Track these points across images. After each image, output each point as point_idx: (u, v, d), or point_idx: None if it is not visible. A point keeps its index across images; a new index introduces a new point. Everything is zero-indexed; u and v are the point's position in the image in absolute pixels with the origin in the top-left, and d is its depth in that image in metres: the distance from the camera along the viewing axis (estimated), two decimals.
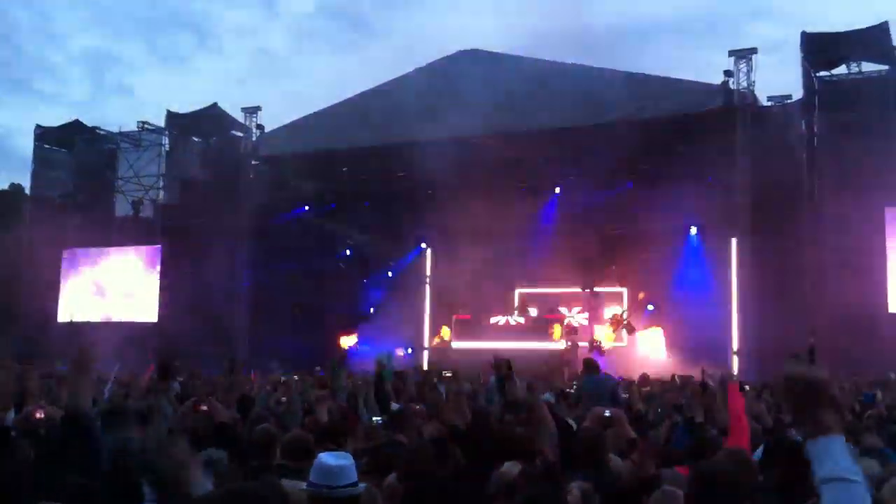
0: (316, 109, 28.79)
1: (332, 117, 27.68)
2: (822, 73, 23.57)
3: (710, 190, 23.74)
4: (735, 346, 23.41)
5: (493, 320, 28.08)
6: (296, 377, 16.97)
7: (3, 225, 34.32)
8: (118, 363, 12.63)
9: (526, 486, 4.61)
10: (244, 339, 28.31)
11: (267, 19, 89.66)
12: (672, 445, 7.47)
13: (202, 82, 76.59)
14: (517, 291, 28.75)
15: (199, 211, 28.54)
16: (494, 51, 27.04)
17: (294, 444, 5.96)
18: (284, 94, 67.07)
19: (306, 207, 29.26)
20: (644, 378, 16.35)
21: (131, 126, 32.18)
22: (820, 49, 22.99)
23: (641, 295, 26.55)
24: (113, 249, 31.04)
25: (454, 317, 28.81)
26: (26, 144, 34.14)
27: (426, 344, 29.18)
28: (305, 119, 28.71)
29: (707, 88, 23.93)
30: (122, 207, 32.17)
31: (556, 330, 27.13)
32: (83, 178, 32.21)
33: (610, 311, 26.93)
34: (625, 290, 27.14)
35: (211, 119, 30.40)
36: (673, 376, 16.74)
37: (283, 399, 10.85)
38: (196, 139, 31.64)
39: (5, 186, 44.78)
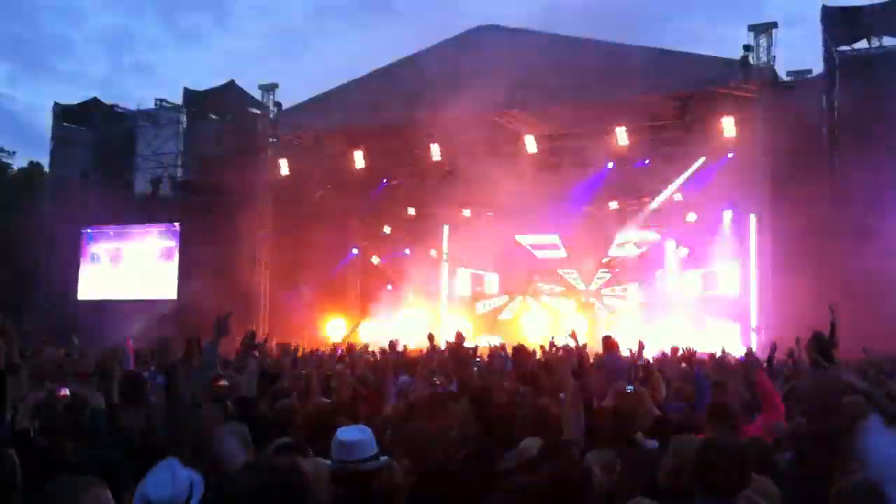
0: (333, 87, 28.75)
1: (349, 94, 27.63)
2: (843, 48, 23.36)
3: (728, 166, 23.66)
4: (754, 322, 23.35)
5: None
6: (319, 350, 17.00)
7: (23, 203, 34.51)
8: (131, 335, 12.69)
9: (549, 462, 4.63)
10: (265, 315, 28.44)
11: None
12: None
13: (220, 60, 76.69)
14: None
15: (217, 188, 28.60)
16: (513, 26, 26.90)
17: (312, 418, 6.00)
18: (302, 71, 67.05)
19: (325, 185, 29.27)
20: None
21: (149, 104, 32.28)
22: (840, 23, 22.79)
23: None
24: (132, 227, 31.19)
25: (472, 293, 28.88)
26: (45, 122, 34.34)
27: (444, 322, 29.19)
28: (323, 96, 28.66)
29: (726, 63, 23.74)
30: (140, 185, 32.27)
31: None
32: (102, 155, 32.31)
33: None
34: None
35: (228, 96, 30.42)
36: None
37: (303, 372, 10.88)
38: (214, 117, 31.67)
39: (24, 165, 45.08)
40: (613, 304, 27.63)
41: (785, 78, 24.47)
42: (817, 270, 20.99)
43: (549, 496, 4.19)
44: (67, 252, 31.02)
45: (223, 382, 8.22)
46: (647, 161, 25.30)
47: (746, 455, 4.18)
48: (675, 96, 23.39)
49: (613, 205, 26.20)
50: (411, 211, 28.83)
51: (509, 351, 14.12)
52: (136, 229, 31.08)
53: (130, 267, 30.95)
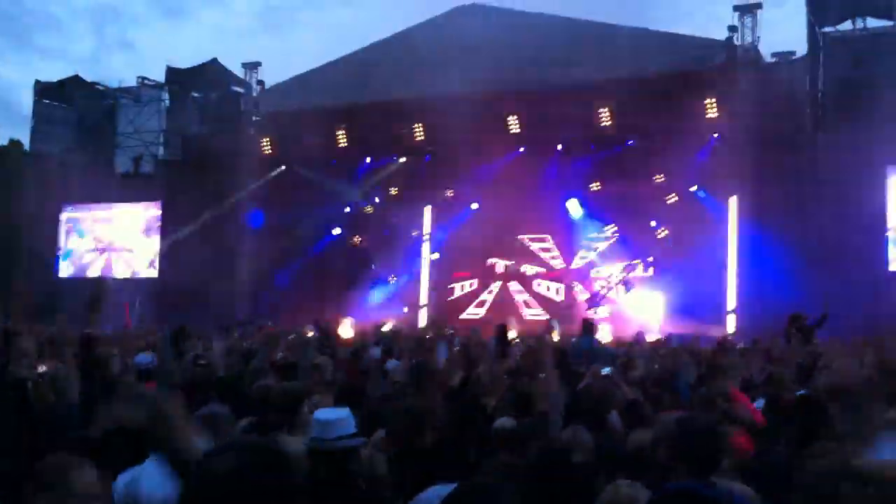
0: (318, 65, 28.62)
1: (333, 73, 27.53)
2: (827, 28, 23.37)
3: (711, 148, 23.68)
4: (731, 305, 23.45)
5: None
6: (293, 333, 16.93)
7: (3, 181, 34.25)
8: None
9: (527, 440, 4.63)
10: (246, 295, 28.36)
11: None
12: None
13: (205, 37, 76.04)
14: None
15: (199, 166, 28.46)
16: (495, 5, 26.76)
17: (282, 396, 5.97)
18: (288, 49, 66.54)
19: (308, 163, 29.07)
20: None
21: (133, 81, 32.06)
22: (824, 4, 22.77)
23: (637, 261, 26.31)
24: (113, 205, 31.03)
25: (453, 274, 28.80)
26: (26, 100, 34.08)
27: (424, 302, 29.16)
28: (307, 74, 28.54)
29: (711, 44, 23.72)
30: (122, 163, 32.09)
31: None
32: (83, 133, 32.13)
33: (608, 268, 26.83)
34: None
35: (211, 74, 30.27)
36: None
37: (281, 355, 10.87)
38: (196, 94, 31.48)
39: (5, 142, 44.64)
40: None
41: (769, 59, 24.50)
42: (796, 254, 21.08)
43: (534, 476, 4.20)
44: (48, 230, 30.84)
45: (202, 362, 8.21)
46: (630, 142, 25.21)
47: (723, 434, 4.18)
48: (659, 77, 23.32)
49: (596, 186, 26.09)
50: (393, 191, 28.65)
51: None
52: (118, 207, 30.91)
53: (111, 245, 30.81)
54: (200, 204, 27.63)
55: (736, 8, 23.64)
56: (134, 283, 29.04)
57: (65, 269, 31.17)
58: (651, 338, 17.98)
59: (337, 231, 29.15)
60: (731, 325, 22.92)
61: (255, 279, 28.46)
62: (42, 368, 7.38)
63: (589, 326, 12.50)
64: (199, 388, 7.06)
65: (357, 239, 29.50)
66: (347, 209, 29.15)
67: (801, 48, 23.61)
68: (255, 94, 29.37)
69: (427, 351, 9.27)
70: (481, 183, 25.87)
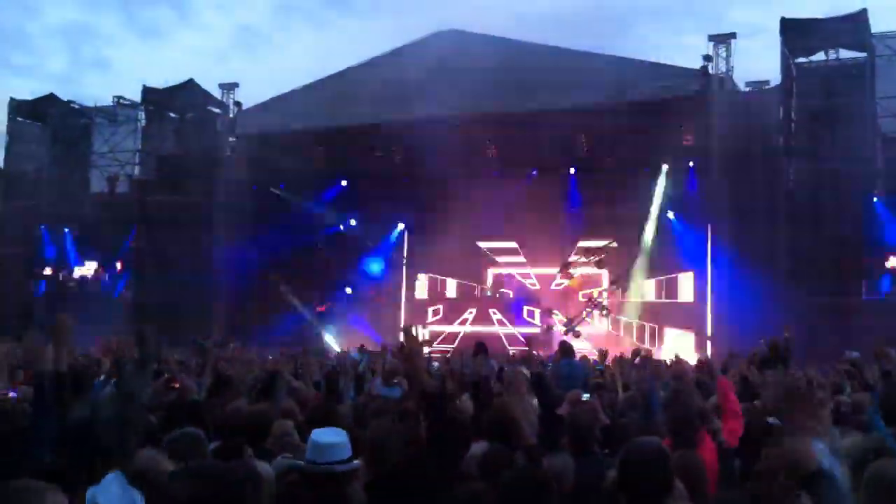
0: (295, 87, 28.62)
1: (310, 95, 27.51)
2: (801, 60, 23.64)
3: (686, 175, 23.89)
4: (709, 331, 23.58)
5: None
6: (269, 356, 16.87)
7: None
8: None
9: (501, 467, 4.62)
10: (219, 317, 28.22)
11: None
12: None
13: (181, 57, 75.68)
14: (489, 272, 28.74)
15: (174, 187, 28.37)
16: (474, 31, 26.88)
17: (251, 419, 5.94)
18: (264, 70, 66.41)
19: (283, 186, 29.03)
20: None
21: (108, 100, 31.92)
22: (799, 35, 23.02)
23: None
24: (88, 224, 30.77)
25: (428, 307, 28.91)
26: (0, 118, 33.85)
27: (402, 324, 29.12)
28: (283, 96, 28.52)
29: (686, 73, 23.94)
30: (97, 183, 31.88)
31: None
32: (58, 152, 31.89)
33: (585, 292, 26.89)
34: (604, 272, 27.00)
35: (187, 95, 30.13)
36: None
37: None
38: (172, 115, 31.37)
39: None
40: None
41: (743, 88, 24.76)
42: (771, 282, 21.22)
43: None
44: (22, 249, 30.60)
45: (176, 385, 8.13)
46: (605, 168, 25.38)
47: (667, 461, 4.12)
48: (634, 105, 23.50)
49: (573, 211, 26.22)
50: (369, 213, 28.68)
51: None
52: (92, 226, 30.66)
53: (85, 263, 30.58)
54: (175, 224, 27.47)
55: (711, 38, 23.92)
56: (107, 302, 28.79)
57: (40, 287, 30.90)
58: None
59: (310, 251, 29.07)
60: (709, 350, 23.01)
61: (229, 300, 28.34)
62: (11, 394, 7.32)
63: (567, 349, 12.48)
64: (172, 411, 7.01)
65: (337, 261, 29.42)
66: (323, 230, 29.09)
67: (774, 78, 23.90)
68: (231, 115, 29.30)
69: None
70: (457, 206, 25.91)
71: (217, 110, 30.00)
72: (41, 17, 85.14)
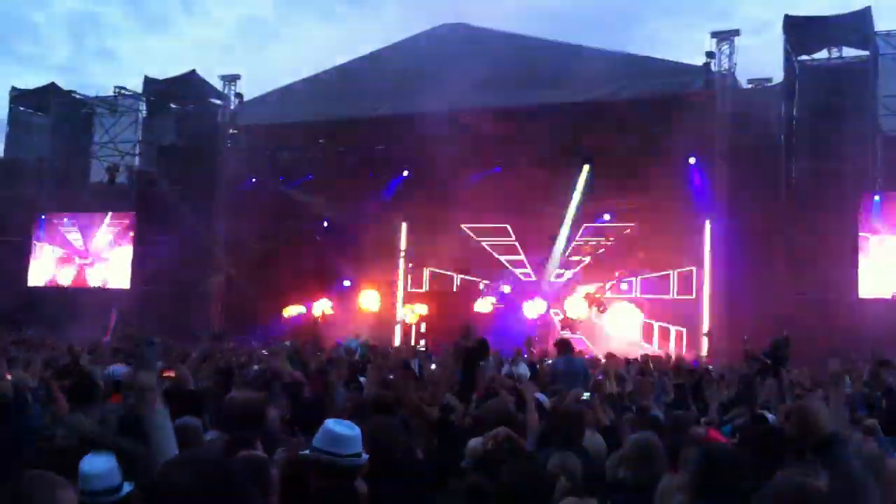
0: (296, 80, 28.58)
1: (313, 88, 27.47)
2: (803, 57, 23.62)
3: (687, 171, 23.87)
4: (706, 327, 23.59)
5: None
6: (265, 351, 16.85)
7: None
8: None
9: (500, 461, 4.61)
10: (218, 308, 28.24)
11: None
12: None
13: (186, 48, 75.48)
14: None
15: (174, 178, 28.37)
16: (479, 25, 26.84)
17: (245, 408, 5.91)
18: (269, 62, 66.19)
19: (283, 178, 29.01)
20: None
21: (110, 90, 31.88)
22: (802, 32, 23.01)
23: (617, 273, 26.48)
24: (87, 215, 30.80)
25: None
26: (1, 106, 33.81)
27: (399, 318, 29.17)
28: (286, 88, 28.47)
29: (689, 69, 23.92)
30: (97, 173, 31.86)
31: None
32: (59, 142, 31.85)
33: (584, 288, 26.90)
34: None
35: (189, 86, 30.07)
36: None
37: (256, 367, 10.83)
38: (174, 106, 31.32)
39: None
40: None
41: (746, 85, 24.74)
42: (769, 278, 21.24)
43: (507, 497, 4.18)
44: (20, 238, 30.59)
45: (169, 374, 8.10)
46: (607, 165, 25.39)
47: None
48: (637, 101, 23.49)
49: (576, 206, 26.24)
50: (371, 207, 28.64)
51: None
52: (92, 217, 30.68)
53: (84, 254, 30.58)
54: (175, 215, 27.46)
55: (714, 34, 23.87)
56: (106, 294, 28.77)
57: (35, 279, 30.87)
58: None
59: (310, 245, 29.09)
60: (704, 347, 23.05)
61: (230, 291, 28.36)
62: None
63: (565, 346, 12.46)
64: (169, 400, 6.99)
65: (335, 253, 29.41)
66: (325, 223, 29.06)
67: (777, 75, 23.88)
68: (232, 107, 29.27)
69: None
70: (459, 199, 25.90)
71: (218, 102, 29.94)
72: (47, 7, 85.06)
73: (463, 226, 27.89)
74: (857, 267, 21.44)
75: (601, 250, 26.18)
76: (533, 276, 27.90)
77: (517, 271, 28.33)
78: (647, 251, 25.42)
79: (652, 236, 25.21)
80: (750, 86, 24.84)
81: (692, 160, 23.92)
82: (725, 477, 3.76)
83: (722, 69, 23.53)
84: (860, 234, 21.49)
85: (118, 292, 28.75)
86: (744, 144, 22.28)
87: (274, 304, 27.81)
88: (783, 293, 20.98)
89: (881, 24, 22.89)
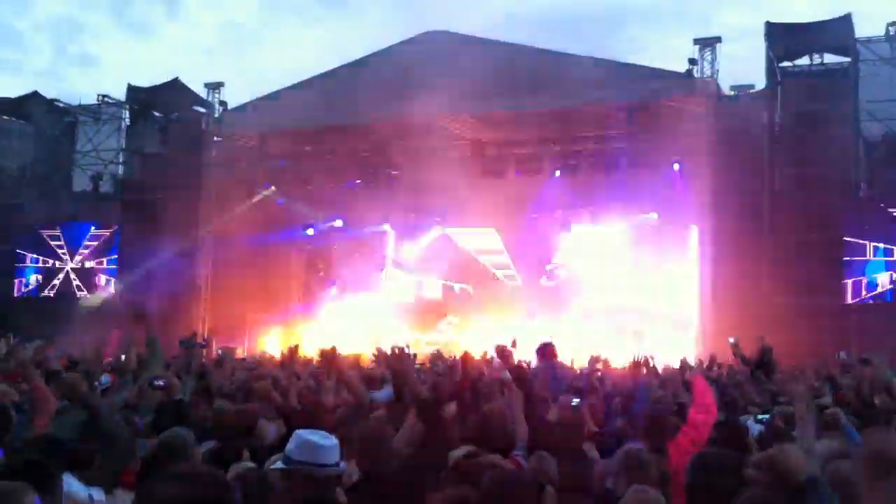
0: (282, 86, 28.55)
1: (297, 95, 27.42)
2: (785, 64, 23.77)
3: (671, 177, 23.95)
4: (694, 332, 23.64)
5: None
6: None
7: None
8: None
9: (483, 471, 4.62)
10: (203, 316, 28.14)
11: None
12: None
13: (168, 54, 75.33)
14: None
15: (158, 186, 28.25)
16: (462, 32, 26.86)
17: (237, 419, 5.90)
18: (252, 68, 66.09)
19: (268, 185, 28.94)
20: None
21: (94, 97, 31.77)
22: (783, 39, 23.16)
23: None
24: (71, 224, 30.63)
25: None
26: None
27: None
28: (270, 96, 28.42)
29: (671, 76, 24.02)
30: (80, 181, 31.73)
31: None
32: (42, 150, 31.72)
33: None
34: None
35: (172, 94, 30.00)
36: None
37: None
38: (157, 114, 31.22)
39: None
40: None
41: (728, 92, 24.86)
42: (754, 284, 21.33)
43: None
44: (3, 247, 30.40)
45: (159, 383, 8.07)
46: (590, 171, 25.45)
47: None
48: (621, 107, 23.60)
49: (558, 213, 26.22)
50: (356, 213, 28.60)
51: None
52: (75, 226, 30.52)
53: (68, 263, 30.41)
54: (159, 224, 27.36)
55: (696, 41, 23.99)
56: (90, 303, 28.65)
57: (19, 288, 30.68)
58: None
59: (299, 252, 29.07)
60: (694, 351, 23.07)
61: (215, 298, 28.25)
62: None
63: (548, 351, 12.19)
64: (160, 411, 7.00)
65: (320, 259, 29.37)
66: (310, 231, 28.97)
67: (759, 82, 24.02)
68: (216, 115, 29.19)
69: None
70: (444, 205, 25.90)
71: (202, 110, 29.87)
72: (30, 13, 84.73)
73: (447, 231, 27.86)
74: (842, 272, 21.57)
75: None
76: (519, 280, 27.96)
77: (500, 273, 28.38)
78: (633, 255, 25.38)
79: (638, 240, 25.21)
80: (732, 92, 24.96)
81: (676, 166, 24.00)
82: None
83: (705, 76, 23.65)
84: (844, 238, 21.62)
85: (101, 301, 28.62)
86: (727, 151, 22.37)
87: (261, 310, 27.72)
88: (768, 298, 21.06)
89: (862, 31, 23.12)
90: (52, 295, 30.02)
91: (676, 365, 13.33)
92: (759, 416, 7.68)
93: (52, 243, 30.78)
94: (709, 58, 23.80)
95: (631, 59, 25.33)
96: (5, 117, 32.85)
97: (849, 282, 21.68)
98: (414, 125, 22.84)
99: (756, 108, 23.69)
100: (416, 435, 5.52)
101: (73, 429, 5.56)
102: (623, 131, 24.13)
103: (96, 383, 8.62)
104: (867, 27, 23.72)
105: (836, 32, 22.64)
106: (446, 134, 24.23)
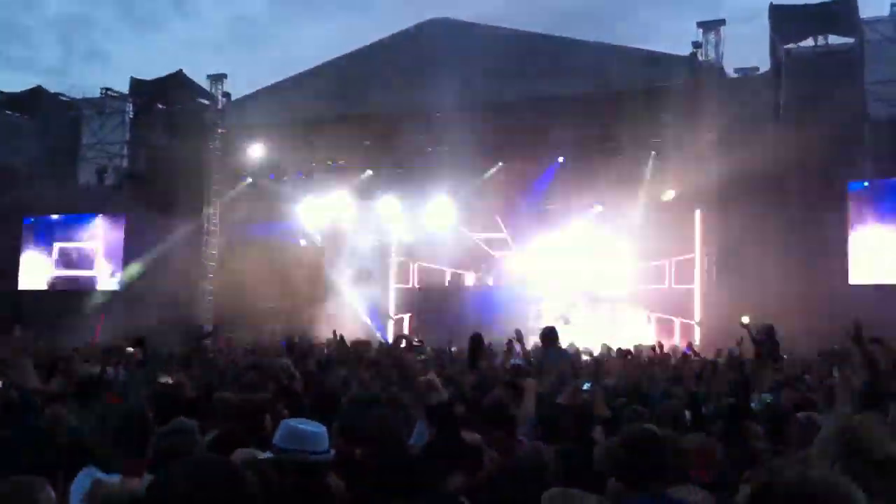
0: (283, 78, 28.55)
1: (300, 86, 27.44)
2: (789, 46, 23.64)
3: (676, 162, 23.88)
4: (697, 317, 23.64)
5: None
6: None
7: None
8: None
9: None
10: (209, 308, 28.20)
11: None
12: None
13: (177, 49, 75.37)
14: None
15: (164, 178, 28.27)
16: (466, 19, 26.81)
17: (243, 408, 5.90)
18: (261, 62, 66.09)
19: (272, 176, 28.96)
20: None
21: (98, 92, 31.80)
22: (787, 21, 23.02)
23: None
24: (76, 217, 30.70)
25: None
26: None
27: (391, 314, 29.14)
28: (273, 87, 28.44)
29: (675, 59, 23.94)
30: (86, 175, 31.80)
31: None
32: (47, 145, 31.74)
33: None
34: None
35: (176, 86, 30.02)
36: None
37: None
38: (161, 107, 31.24)
39: None
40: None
41: (733, 75, 24.76)
42: (760, 266, 21.28)
43: (488, 493, 4.20)
44: (9, 241, 30.47)
45: (166, 380, 8.10)
46: (593, 158, 25.36)
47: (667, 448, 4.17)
48: (624, 91, 23.51)
49: (561, 199, 26.18)
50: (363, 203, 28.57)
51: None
52: (81, 219, 30.58)
53: (73, 257, 30.49)
54: (164, 216, 27.41)
55: (700, 24, 23.88)
56: (97, 296, 28.74)
57: (25, 282, 30.77)
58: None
59: (303, 243, 29.07)
60: (697, 336, 23.08)
61: (221, 291, 28.30)
62: None
63: (551, 336, 12.09)
64: (166, 402, 7.01)
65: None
66: (313, 221, 28.98)
67: (763, 64, 23.91)
68: (220, 107, 29.22)
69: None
70: (448, 193, 25.88)
71: (206, 102, 29.89)
72: (39, 10, 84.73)
73: (455, 219, 27.83)
74: (847, 254, 21.53)
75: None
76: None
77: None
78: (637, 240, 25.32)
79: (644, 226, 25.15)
80: (737, 75, 24.86)
81: (678, 151, 23.93)
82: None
83: (709, 59, 23.55)
84: (850, 219, 21.58)
85: (108, 294, 28.71)
86: (732, 134, 22.27)
87: (269, 299, 27.74)
88: (774, 281, 21.00)
89: (866, 11, 22.99)
90: (59, 288, 30.10)
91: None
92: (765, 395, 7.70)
93: (58, 236, 30.86)
94: (713, 41, 23.70)
95: (634, 44, 25.17)
96: (10, 112, 32.90)
97: (853, 263, 21.65)
98: (418, 114, 22.80)
99: (760, 91, 23.60)
100: None
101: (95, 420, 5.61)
102: (628, 115, 24.04)
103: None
104: (871, 7, 23.63)
105: (840, 13, 22.49)
106: (451, 122, 24.11)
